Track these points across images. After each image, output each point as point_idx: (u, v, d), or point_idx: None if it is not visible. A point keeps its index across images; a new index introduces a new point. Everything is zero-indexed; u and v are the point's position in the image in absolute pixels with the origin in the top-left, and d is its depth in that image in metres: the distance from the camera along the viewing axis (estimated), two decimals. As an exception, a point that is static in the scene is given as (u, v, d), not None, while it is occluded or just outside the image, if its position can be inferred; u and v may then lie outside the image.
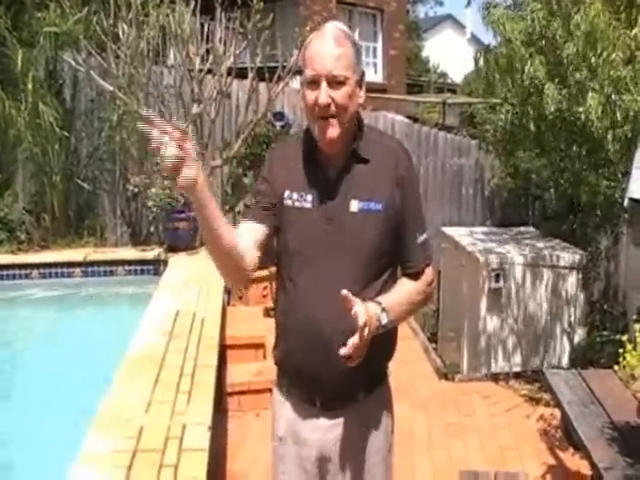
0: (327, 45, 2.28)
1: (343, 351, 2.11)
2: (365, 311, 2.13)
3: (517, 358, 6.45)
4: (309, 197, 2.37)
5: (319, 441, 2.50)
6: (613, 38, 5.07)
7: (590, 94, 5.20)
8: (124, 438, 3.40)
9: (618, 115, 5.13)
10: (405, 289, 2.43)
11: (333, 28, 2.33)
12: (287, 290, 2.46)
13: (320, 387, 2.44)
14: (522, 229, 7.65)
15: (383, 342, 2.37)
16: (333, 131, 2.30)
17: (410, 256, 2.45)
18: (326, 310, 2.30)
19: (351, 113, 2.34)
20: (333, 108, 2.27)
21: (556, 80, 5.61)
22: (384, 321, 2.25)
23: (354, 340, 2.10)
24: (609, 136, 5.24)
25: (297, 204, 2.38)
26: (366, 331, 2.11)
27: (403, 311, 2.39)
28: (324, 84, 2.26)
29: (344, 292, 2.10)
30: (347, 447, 2.50)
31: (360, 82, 2.37)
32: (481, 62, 6.22)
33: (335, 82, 2.26)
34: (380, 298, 2.30)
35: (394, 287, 2.42)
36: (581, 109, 5.27)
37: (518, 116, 6.21)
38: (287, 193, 2.39)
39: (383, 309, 2.26)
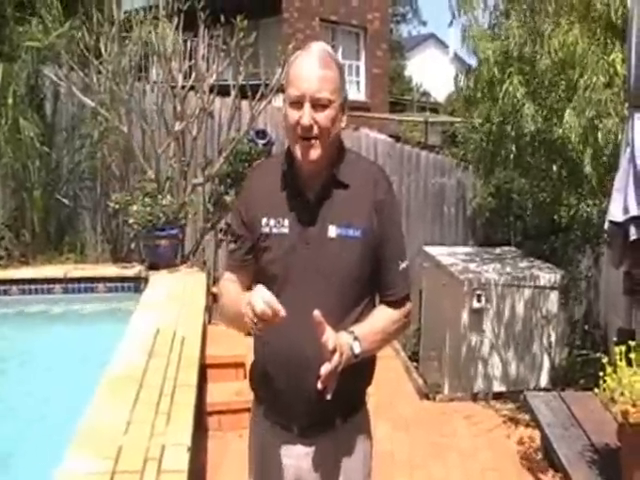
0: (313, 66, 2.26)
1: (320, 385, 2.11)
2: (335, 338, 2.14)
3: (498, 378, 6.46)
4: (286, 222, 2.35)
5: (296, 467, 2.48)
6: (591, 63, 5.12)
7: (567, 112, 5.24)
8: (102, 458, 3.35)
9: (599, 138, 5.17)
10: (381, 318, 2.40)
11: (320, 49, 2.32)
12: None
13: (297, 413, 2.42)
14: (504, 249, 7.69)
15: (361, 369, 2.35)
16: (314, 152, 2.28)
17: (391, 284, 2.43)
18: (303, 336, 2.27)
19: (333, 136, 2.32)
20: (316, 130, 2.26)
21: (536, 101, 5.65)
22: (357, 350, 2.23)
23: (327, 368, 2.10)
24: (586, 157, 5.28)
25: (274, 230, 2.36)
26: (336, 357, 2.11)
27: (378, 340, 2.37)
28: (307, 105, 2.24)
29: (316, 313, 2.09)
30: (324, 473, 2.48)
31: (343, 106, 2.36)
32: (461, 83, 6.26)
33: (319, 104, 2.25)
34: (353, 327, 2.28)
35: (370, 316, 2.39)
36: (560, 130, 5.30)
37: (498, 136, 6.24)
38: (264, 220, 2.37)
39: (355, 338, 2.24)
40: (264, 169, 2.63)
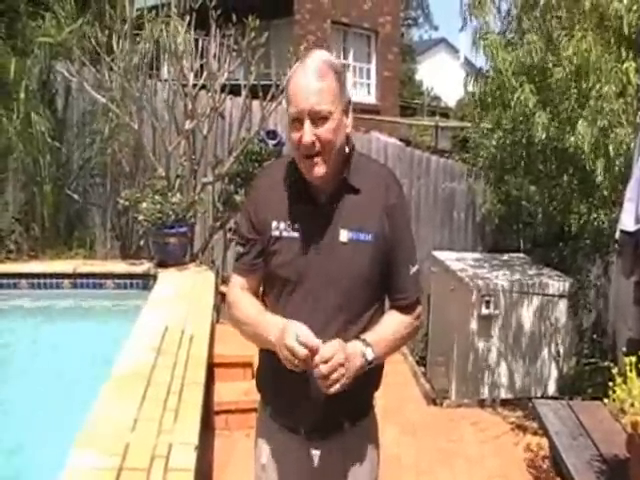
0: (308, 80, 2.22)
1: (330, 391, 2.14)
2: (343, 349, 2.15)
3: (505, 385, 6.45)
4: (297, 226, 2.34)
5: (302, 470, 2.47)
6: (605, 71, 5.11)
7: (580, 122, 5.22)
8: (109, 455, 3.34)
9: (610, 148, 5.16)
10: (392, 322, 2.40)
11: (315, 61, 2.26)
12: None
13: (304, 416, 2.41)
14: (512, 255, 7.67)
15: (369, 373, 2.32)
16: (319, 170, 2.26)
17: (402, 288, 2.42)
18: None
19: (338, 146, 2.29)
20: (318, 146, 2.23)
21: (547, 109, 5.63)
22: (370, 357, 2.23)
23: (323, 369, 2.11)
24: (599, 165, 5.26)
25: (285, 234, 2.34)
26: (330, 351, 2.11)
27: (390, 346, 2.36)
28: (307, 122, 2.21)
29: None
30: (331, 476, 2.48)
31: (346, 110, 2.32)
32: (470, 87, 6.24)
33: (319, 118, 2.22)
34: (365, 335, 2.28)
35: (380, 321, 2.39)
36: (572, 138, 5.29)
37: (509, 143, 6.23)
38: (274, 224, 2.36)
39: (368, 345, 2.23)
40: (274, 171, 2.58)
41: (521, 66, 5.71)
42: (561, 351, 6.46)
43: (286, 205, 2.36)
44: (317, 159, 2.25)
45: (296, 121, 2.24)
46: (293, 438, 2.46)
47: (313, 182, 2.32)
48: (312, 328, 2.22)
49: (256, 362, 2.61)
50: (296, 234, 2.33)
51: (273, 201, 2.39)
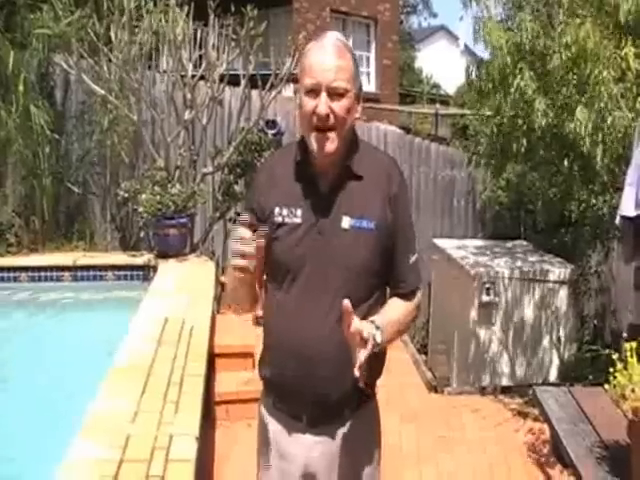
0: (328, 55, 2.24)
1: (357, 372, 2.10)
2: (365, 327, 2.12)
3: (506, 372, 6.44)
4: (299, 212, 2.34)
5: (304, 457, 2.48)
6: (603, 57, 5.08)
7: (579, 108, 5.20)
8: (110, 447, 3.34)
9: (609, 131, 5.14)
10: (396, 309, 2.40)
11: (334, 39, 2.29)
12: (275, 304, 2.44)
13: (306, 403, 2.42)
14: (514, 242, 7.65)
15: (371, 360, 2.33)
16: (331, 145, 2.27)
17: (403, 277, 2.43)
18: (314, 326, 2.31)
19: (349, 126, 2.31)
20: (332, 120, 2.24)
21: (547, 95, 5.61)
22: (379, 339, 2.20)
23: (364, 355, 2.09)
24: (598, 151, 5.24)
25: (287, 220, 2.35)
26: (370, 345, 2.10)
27: (395, 331, 2.36)
28: (324, 94, 2.22)
29: (345, 302, 2.08)
30: (333, 464, 2.47)
31: (358, 96, 2.34)
32: (473, 75, 6.22)
33: (335, 94, 2.23)
34: (373, 317, 2.27)
35: (385, 307, 2.39)
36: (571, 125, 5.27)
37: (509, 129, 6.20)
38: (277, 210, 2.36)
39: (377, 327, 2.22)
40: (276, 159, 2.64)
41: (516, 47, 5.69)
42: (562, 338, 6.45)
43: (288, 192, 2.38)
44: (330, 134, 2.26)
45: (312, 92, 2.25)
46: (295, 426, 2.47)
47: (322, 160, 2.33)
48: (315, 313, 2.29)
49: (257, 352, 2.62)
50: (298, 220, 2.34)
51: (275, 188, 2.41)
